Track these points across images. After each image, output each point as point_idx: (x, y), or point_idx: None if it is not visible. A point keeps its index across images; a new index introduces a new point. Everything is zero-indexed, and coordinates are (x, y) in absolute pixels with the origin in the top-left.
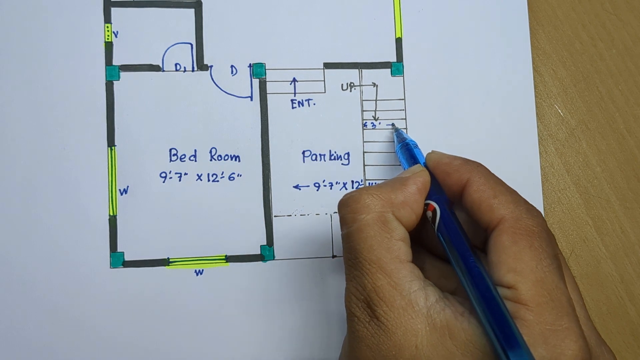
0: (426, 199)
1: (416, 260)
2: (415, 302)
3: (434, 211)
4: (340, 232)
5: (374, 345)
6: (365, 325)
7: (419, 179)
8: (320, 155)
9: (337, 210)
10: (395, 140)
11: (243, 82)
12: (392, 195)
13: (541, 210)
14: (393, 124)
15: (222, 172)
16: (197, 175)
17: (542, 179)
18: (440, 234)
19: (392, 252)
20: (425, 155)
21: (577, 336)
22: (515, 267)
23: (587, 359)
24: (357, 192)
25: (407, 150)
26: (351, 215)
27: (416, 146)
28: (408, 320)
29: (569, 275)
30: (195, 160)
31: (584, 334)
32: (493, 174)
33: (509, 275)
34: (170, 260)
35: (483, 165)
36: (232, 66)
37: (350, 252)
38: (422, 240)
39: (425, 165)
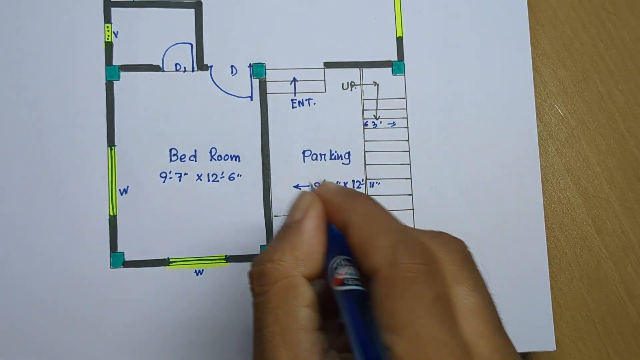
0: (329, 260)
1: (326, 323)
2: None
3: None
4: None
5: None
6: None
7: (313, 213)
8: (320, 155)
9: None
10: None
11: (243, 82)
12: (295, 252)
13: (541, 210)
14: (310, 185)
15: (222, 172)
16: (197, 175)
17: (542, 179)
18: (338, 298)
19: (297, 321)
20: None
21: None
22: (389, 325)
23: None
24: (260, 264)
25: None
26: (258, 287)
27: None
28: None
29: (475, 302)
30: (195, 161)
31: None
32: (377, 207)
33: (386, 335)
34: (170, 260)
35: (368, 198)
36: (232, 66)
37: (257, 324)
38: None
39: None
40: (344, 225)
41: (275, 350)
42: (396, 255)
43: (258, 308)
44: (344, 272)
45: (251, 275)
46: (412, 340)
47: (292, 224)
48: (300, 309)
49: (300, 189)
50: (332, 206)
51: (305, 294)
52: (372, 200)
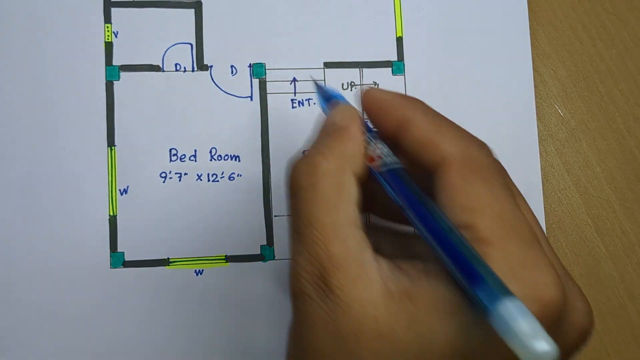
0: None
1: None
2: (370, 271)
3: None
4: (290, 201)
5: (331, 325)
6: (319, 303)
7: (356, 120)
8: None
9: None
10: (318, 95)
11: (243, 82)
12: (343, 148)
13: (541, 210)
14: (312, 77)
15: (222, 172)
16: (197, 175)
17: (542, 179)
18: (383, 178)
19: (348, 215)
20: (362, 92)
21: (548, 266)
22: (469, 205)
23: (562, 290)
24: (309, 156)
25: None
26: (306, 178)
27: (337, 92)
28: (364, 290)
29: (527, 209)
30: (195, 160)
31: (553, 265)
32: (433, 109)
33: (463, 214)
34: (171, 260)
35: (422, 101)
36: (232, 66)
37: (302, 219)
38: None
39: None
40: (402, 121)
41: (329, 244)
42: (467, 145)
43: (305, 201)
44: (376, 149)
45: (296, 168)
46: (497, 217)
47: (336, 129)
48: (351, 204)
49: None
50: (388, 103)
51: (354, 192)
52: (424, 102)
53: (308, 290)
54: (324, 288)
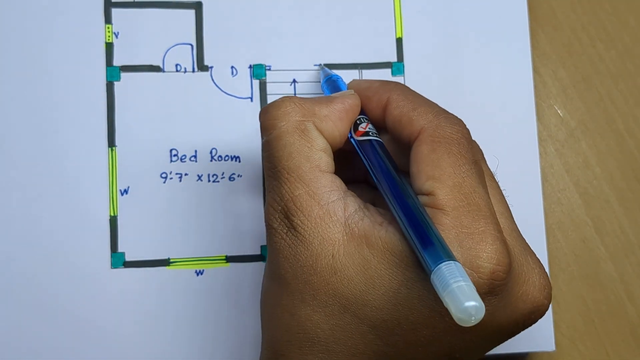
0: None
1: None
2: (334, 212)
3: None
4: (261, 140)
5: (292, 256)
6: (283, 237)
7: (347, 101)
8: None
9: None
10: (321, 76)
11: (243, 83)
12: (315, 107)
13: (541, 210)
14: (320, 64)
15: (223, 173)
16: (198, 175)
17: (541, 179)
18: (359, 147)
19: (311, 161)
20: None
21: (494, 239)
22: (433, 174)
23: (505, 263)
24: (279, 99)
25: (332, 83)
26: (271, 122)
27: (341, 80)
28: (325, 230)
29: (495, 186)
30: (196, 161)
31: (503, 239)
32: (412, 90)
33: (427, 182)
34: (171, 260)
35: (402, 84)
36: (232, 67)
37: (269, 161)
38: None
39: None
40: (384, 103)
41: (292, 187)
42: (440, 120)
43: (270, 145)
44: (366, 126)
45: (264, 110)
46: (456, 188)
47: (324, 96)
48: (314, 151)
49: None
50: (370, 90)
51: (318, 139)
52: (404, 84)
53: (275, 224)
54: (288, 225)
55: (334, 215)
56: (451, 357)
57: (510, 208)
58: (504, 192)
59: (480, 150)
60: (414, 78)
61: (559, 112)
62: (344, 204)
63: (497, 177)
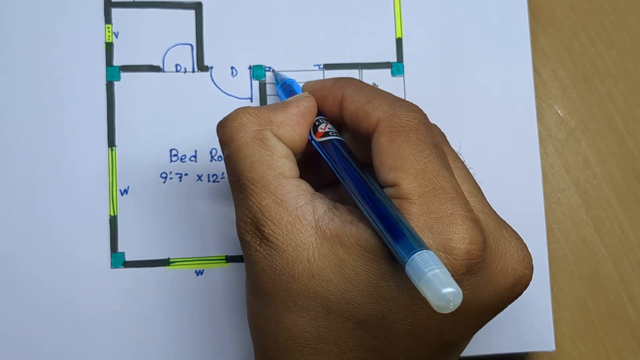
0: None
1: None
2: (303, 217)
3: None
4: (223, 154)
5: (269, 266)
6: (257, 248)
7: (302, 103)
8: None
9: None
10: (275, 81)
11: (243, 84)
12: (271, 115)
13: (541, 210)
14: (271, 69)
15: (223, 173)
16: (198, 175)
17: (542, 179)
18: (321, 148)
19: (274, 169)
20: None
21: (463, 219)
22: (396, 165)
23: (479, 240)
24: (233, 112)
25: (287, 87)
26: (229, 135)
27: (296, 83)
28: (297, 235)
29: (460, 166)
30: (196, 161)
31: (473, 218)
32: (366, 84)
33: (390, 173)
34: (171, 260)
35: (356, 79)
36: (232, 67)
37: (232, 175)
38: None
39: None
40: (339, 100)
41: (259, 197)
42: (395, 109)
43: (231, 159)
44: (325, 127)
45: (220, 124)
46: (419, 175)
47: (279, 102)
48: (275, 158)
49: None
50: (324, 90)
51: (278, 146)
52: (357, 79)
53: (248, 237)
54: (259, 236)
55: (303, 219)
56: (441, 341)
57: (510, 208)
58: (503, 194)
59: (442, 132)
60: (414, 78)
61: (559, 112)
62: (312, 207)
63: (497, 177)
